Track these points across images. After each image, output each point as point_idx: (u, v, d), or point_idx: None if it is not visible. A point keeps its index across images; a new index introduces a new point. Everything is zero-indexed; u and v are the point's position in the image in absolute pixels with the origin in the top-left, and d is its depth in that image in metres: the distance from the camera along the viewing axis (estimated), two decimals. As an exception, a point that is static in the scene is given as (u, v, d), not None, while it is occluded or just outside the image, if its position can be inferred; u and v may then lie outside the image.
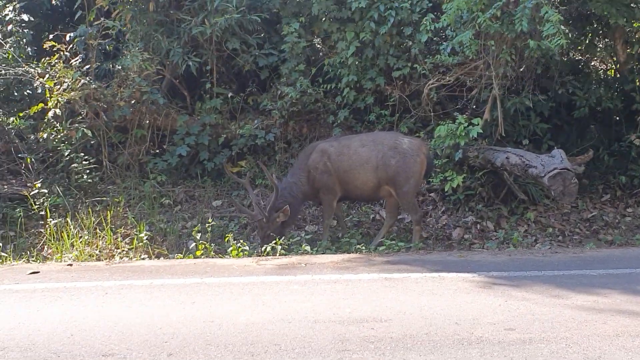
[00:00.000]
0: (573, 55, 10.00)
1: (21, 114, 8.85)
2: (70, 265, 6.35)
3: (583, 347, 3.82)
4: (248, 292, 5.12)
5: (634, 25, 9.19)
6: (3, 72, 8.90)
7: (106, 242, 7.25)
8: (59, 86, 8.61)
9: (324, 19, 9.19)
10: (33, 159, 8.55)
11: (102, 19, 8.99)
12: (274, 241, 6.79)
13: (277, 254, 6.62)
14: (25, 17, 9.66)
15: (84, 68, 8.88)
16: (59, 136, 8.53)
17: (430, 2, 8.79)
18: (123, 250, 7.15)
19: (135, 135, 9.03)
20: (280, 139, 9.26)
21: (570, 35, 9.29)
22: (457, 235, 7.92)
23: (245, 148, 9.15)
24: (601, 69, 10.25)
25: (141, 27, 9.24)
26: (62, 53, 8.81)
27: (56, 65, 8.68)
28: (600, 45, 9.81)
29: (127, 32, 9.37)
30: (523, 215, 8.19)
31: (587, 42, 9.64)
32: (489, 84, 8.14)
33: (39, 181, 8.15)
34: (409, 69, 8.93)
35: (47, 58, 8.89)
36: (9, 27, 9.52)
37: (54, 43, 8.79)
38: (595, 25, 9.45)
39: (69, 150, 8.42)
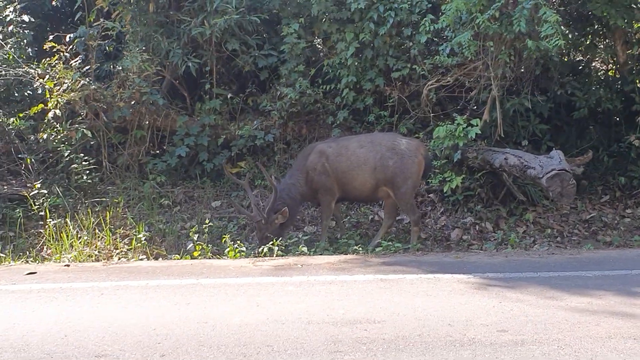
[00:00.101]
0: (574, 56, 9.99)
1: (21, 115, 8.87)
2: (68, 265, 6.39)
3: (575, 348, 3.82)
4: (243, 293, 5.14)
5: (636, 25, 9.17)
6: (3, 72, 8.92)
7: (105, 242, 7.28)
8: (59, 87, 8.64)
9: (323, 19, 9.19)
10: (33, 160, 8.58)
11: (102, 19, 9.02)
12: (271, 242, 6.80)
13: (274, 255, 6.64)
14: (26, 18, 9.65)
15: (84, 69, 8.90)
16: (58, 137, 8.54)
17: (429, 3, 8.79)
18: (122, 251, 7.18)
19: (135, 136, 9.04)
20: (280, 140, 9.26)
21: (570, 36, 9.34)
22: (455, 236, 7.91)
23: (244, 149, 9.16)
24: (602, 69, 10.23)
25: (141, 28, 9.26)
26: (62, 54, 8.83)
27: (56, 66, 8.71)
28: (601, 46, 9.78)
29: (127, 33, 9.40)
30: (522, 216, 8.18)
31: (588, 43, 9.63)
32: (488, 84, 8.14)
33: (38, 182, 8.17)
34: (408, 70, 8.93)
35: (48, 59, 8.92)
36: (10, 28, 9.54)
37: (54, 44, 8.81)
38: (595, 26, 9.44)
39: (68, 151, 8.44)
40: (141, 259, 6.88)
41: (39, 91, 8.99)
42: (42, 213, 7.79)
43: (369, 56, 9.03)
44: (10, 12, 9.56)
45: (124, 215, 7.99)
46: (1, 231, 7.83)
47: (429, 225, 8.23)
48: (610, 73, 10.04)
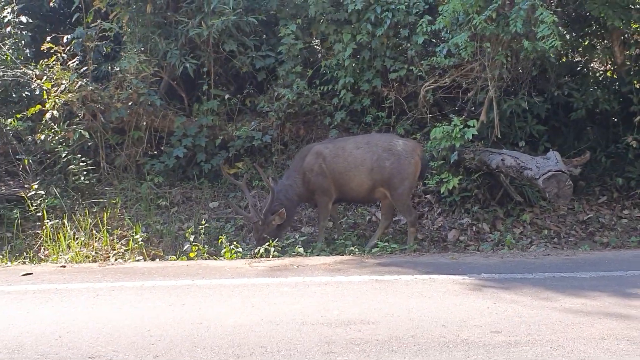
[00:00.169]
0: (572, 57, 10.00)
1: (19, 116, 8.89)
2: (64, 266, 6.40)
3: (568, 349, 3.82)
4: (238, 294, 5.14)
5: (634, 26, 9.16)
6: (1, 73, 8.94)
7: (102, 243, 7.29)
8: (56, 88, 8.66)
9: (321, 20, 9.19)
10: (30, 160, 8.59)
11: (99, 20, 9.03)
12: (268, 243, 6.81)
13: (270, 256, 6.65)
14: (23, 19, 9.66)
15: (82, 70, 8.93)
16: (56, 138, 8.58)
17: (426, 4, 8.79)
18: (119, 252, 7.18)
19: (133, 137, 9.05)
20: (277, 141, 9.27)
21: (568, 37, 9.35)
22: (452, 237, 7.91)
23: (242, 150, 9.16)
24: (600, 70, 10.23)
25: (139, 29, 9.28)
26: (59, 55, 8.85)
27: (54, 67, 8.74)
28: (599, 47, 9.78)
29: (124, 34, 9.41)
30: (519, 217, 8.17)
31: (586, 44, 9.63)
32: (485, 85, 8.14)
33: (36, 182, 8.18)
34: (405, 71, 8.93)
35: (45, 60, 8.94)
36: (8, 29, 9.56)
37: (51, 45, 8.82)
38: (593, 27, 9.44)
39: (66, 152, 8.46)
40: (138, 260, 6.88)
41: (37, 92, 9.00)
42: (40, 214, 7.80)
43: (367, 57, 9.04)
44: (8, 13, 9.58)
45: (122, 216, 7.99)
46: (-1, 232, 7.85)
47: (426, 226, 8.23)
48: (607, 74, 10.04)
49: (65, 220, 7.56)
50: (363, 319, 4.43)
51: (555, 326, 4.22)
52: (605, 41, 9.60)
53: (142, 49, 9.10)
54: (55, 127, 8.60)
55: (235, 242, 7.12)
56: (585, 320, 4.34)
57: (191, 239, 7.02)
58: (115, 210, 8.01)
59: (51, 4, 10.00)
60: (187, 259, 6.78)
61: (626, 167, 8.82)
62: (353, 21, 8.97)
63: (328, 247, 7.32)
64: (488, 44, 7.75)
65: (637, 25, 9.02)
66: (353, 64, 9.02)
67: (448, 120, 8.12)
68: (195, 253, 6.87)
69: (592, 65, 10.08)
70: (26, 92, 9.23)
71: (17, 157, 8.66)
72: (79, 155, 8.55)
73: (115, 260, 6.88)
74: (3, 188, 8.37)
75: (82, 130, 8.54)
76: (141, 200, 8.50)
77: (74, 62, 8.92)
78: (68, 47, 9.11)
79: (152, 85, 9.09)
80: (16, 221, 7.76)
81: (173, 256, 7.03)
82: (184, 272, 5.93)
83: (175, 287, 5.39)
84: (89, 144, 8.84)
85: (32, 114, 8.81)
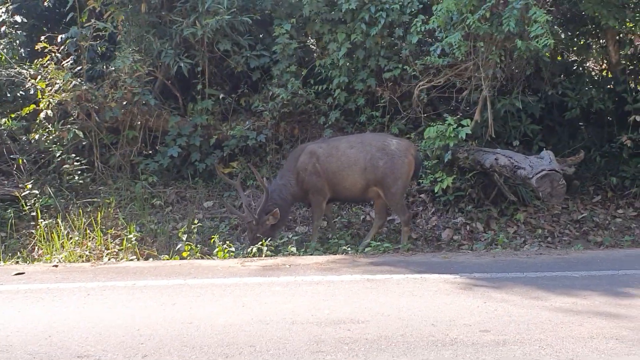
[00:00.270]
0: (567, 56, 10.00)
1: (13, 115, 8.87)
2: (56, 266, 6.39)
3: (556, 349, 3.83)
4: (230, 293, 5.15)
5: (629, 26, 9.16)
6: (-4, 73, 8.94)
7: (96, 243, 7.29)
8: (50, 87, 8.64)
9: (315, 20, 9.18)
10: (25, 160, 8.58)
11: (93, 20, 9.01)
12: (260, 242, 6.81)
13: (263, 255, 6.65)
14: (18, 18, 9.63)
15: (76, 69, 8.90)
16: (50, 137, 8.55)
17: (420, 4, 8.78)
18: (113, 252, 7.18)
19: (127, 137, 9.04)
20: (272, 140, 9.26)
21: (562, 36, 9.35)
22: (446, 236, 7.92)
23: (236, 149, 9.15)
24: (595, 69, 10.24)
25: (133, 29, 9.25)
26: (54, 54, 8.84)
27: (48, 67, 8.72)
28: (594, 46, 9.79)
29: (119, 34, 9.40)
30: (513, 217, 8.19)
31: (581, 43, 9.63)
32: (479, 85, 8.14)
33: (30, 182, 8.18)
34: (399, 71, 8.91)
35: (40, 59, 8.93)
36: (2, 29, 9.53)
37: (46, 44, 8.81)
38: (588, 26, 9.44)
39: (60, 151, 8.45)
40: (131, 260, 6.88)
41: (31, 92, 8.98)
42: (34, 213, 7.80)
43: (361, 57, 9.03)
44: (2, 12, 9.55)
45: (116, 216, 7.99)
46: (-7, 231, 7.85)
47: (419, 226, 8.23)
48: (602, 73, 10.04)
49: (59, 220, 7.56)
50: (353, 318, 4.44)
51: (545, 325, 4.23)
52: (600, 40, 9.62)
53: (137, 48, 9.05)
54: (49, 126, 8.58)
55: (228, 242, 7.12)
56: (574, 319, 4.35)
57: (184, 239, 7.02)
58: (109, 209, 8.01)
59: (46, 4, 9.97)
60: (180, 259, 6.78)
61: (620, 166, 8.84)
62: (347, 21, 8.97)
63: (322, 247, 7.32)
64: (482, 44, 7.76)
65: (631, 25, 9.01)
66: (347, 64, 9.01)
67: (442, 120, 8.13)
68: (189, 252, 6.87)
69: (587, 64, 10.09)
70: (20, 92, 9.18)
71: (11, 156, 8.65)
72: (73, 155, 8.55)
73: (109, 259, 6.88)
74: (-3, 188, 8.37)
75: (76, 130, 8.53)
76: (135, 200, 8.48)
77: (68, 61, 8.88)
78: (62, 47, 9.08)
79: (146, 84, 9.06)
80: (10, 221, 7.75)
81: (166, 255, 7.03)
82: (176, 272, 5.93)
83: (167, 286, 5.39)
84: (83, 143, 8.82)
85: (26, 114, 8.79)
